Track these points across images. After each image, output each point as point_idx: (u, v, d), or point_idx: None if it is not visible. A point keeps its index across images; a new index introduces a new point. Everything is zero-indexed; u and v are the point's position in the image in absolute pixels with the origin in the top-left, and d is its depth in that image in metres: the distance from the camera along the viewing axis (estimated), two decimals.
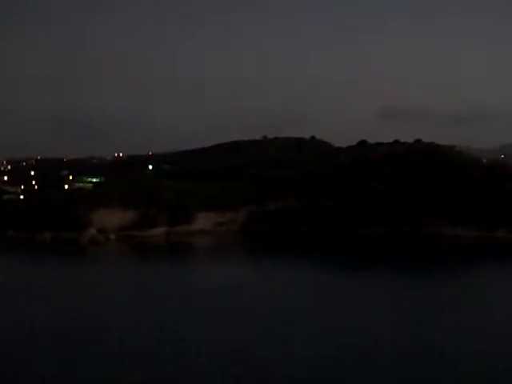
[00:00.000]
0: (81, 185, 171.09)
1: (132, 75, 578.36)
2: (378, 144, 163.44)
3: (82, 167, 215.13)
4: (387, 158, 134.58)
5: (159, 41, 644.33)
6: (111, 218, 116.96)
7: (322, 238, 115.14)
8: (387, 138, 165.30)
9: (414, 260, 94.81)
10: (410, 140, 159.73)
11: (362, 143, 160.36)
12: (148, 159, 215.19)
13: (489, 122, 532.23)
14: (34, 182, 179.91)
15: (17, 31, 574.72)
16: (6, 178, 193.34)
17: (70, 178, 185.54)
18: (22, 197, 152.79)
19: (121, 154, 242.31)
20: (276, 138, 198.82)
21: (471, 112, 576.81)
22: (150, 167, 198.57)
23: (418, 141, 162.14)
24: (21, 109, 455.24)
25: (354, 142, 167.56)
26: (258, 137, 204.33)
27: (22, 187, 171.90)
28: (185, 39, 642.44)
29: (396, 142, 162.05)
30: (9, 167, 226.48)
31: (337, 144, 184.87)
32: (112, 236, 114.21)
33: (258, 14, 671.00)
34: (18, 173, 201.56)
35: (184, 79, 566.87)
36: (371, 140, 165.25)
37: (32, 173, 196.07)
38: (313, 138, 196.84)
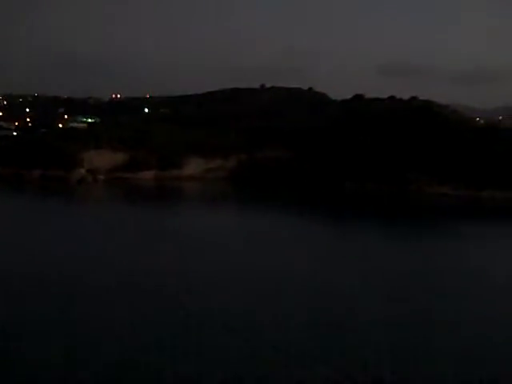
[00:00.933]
0: (75, 124, 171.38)
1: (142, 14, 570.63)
2: (373, 99, 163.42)
3: (78, 107, 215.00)
4: (379, 113, 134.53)
5: None
6: (101, 159, 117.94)
7: (306, 189, 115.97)
8: (386, 94, 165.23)
9: (393, 214, 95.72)
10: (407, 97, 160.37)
11: (357, 97, 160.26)
12: (145, 102, 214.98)
13: (490, 83, 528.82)
14: (28, 119, 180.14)
15: None
16: (0, 113, 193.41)
17: (65, 117, 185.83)
18: (14, 133, 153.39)
19: (118, 96, 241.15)
20: (273, 87, 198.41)
21: (473, 72, 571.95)
22: (146, 110, 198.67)
23: (414, 98, 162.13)
24: (21, 43, 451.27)
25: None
26: (255, 85, 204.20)
27: (16, 124, 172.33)
28: None
29: (391, 98, 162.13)
30: (5, 103, 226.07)
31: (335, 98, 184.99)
32: (101, 177, 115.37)
33: None
34: (14, 109, 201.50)
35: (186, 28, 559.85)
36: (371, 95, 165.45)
37: (27, 110, 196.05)
38: (310, 89, 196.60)
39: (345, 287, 45.53)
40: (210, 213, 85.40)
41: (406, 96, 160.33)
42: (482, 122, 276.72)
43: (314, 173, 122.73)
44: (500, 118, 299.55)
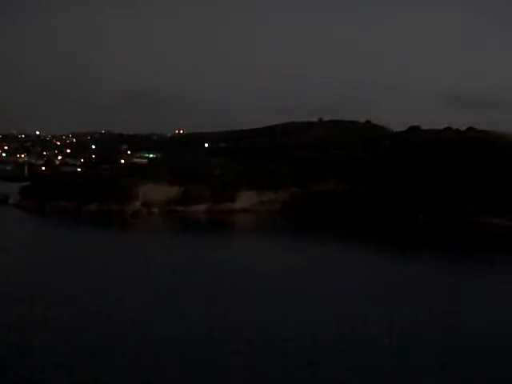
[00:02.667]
0: (137, 160, 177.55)
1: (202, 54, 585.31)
2: (428, 130, 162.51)
3: (142, 143, 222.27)
4: (433, 144, 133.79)
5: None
6: (156, 193, 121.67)
7: (360, 222, 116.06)
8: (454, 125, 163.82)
9: (448, 246, 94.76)
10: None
11: (412, 128, 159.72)
12: (206, 137, 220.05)
13: None
14: (93, 156, 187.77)
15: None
16: (68, 150, 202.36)
17: (128, 152, 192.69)
18: (79, 169, 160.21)
19: (181, 131, 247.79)
20: (330, 121, 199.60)
21: None
22: (206, 145, 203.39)
23: (470, 128, 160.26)
24: (93, 82, 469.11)
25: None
26: (314, 119, 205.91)
27: (82, 160, 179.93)
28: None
29: (447, 128, 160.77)
30: (74, 140, 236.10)
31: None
32: (155, 210, 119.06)
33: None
34: (81, 146, 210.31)
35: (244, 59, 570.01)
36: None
37: (93, 146, 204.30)
38: (367, 121, 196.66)
39: None
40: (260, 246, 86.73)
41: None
42: None
43: (366, 206, 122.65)
44: None
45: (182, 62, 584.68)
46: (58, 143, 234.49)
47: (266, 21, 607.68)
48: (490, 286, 64.49)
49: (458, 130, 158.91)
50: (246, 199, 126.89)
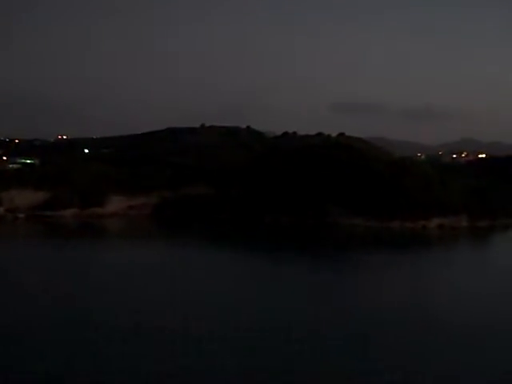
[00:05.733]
0: (13, 166, 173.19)
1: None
2: (304, 136, 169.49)
3: (23, 148, 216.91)
4: (301, 149, 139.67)
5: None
6: (22, 198, 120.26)
7: (225, 224, 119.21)
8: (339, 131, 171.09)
9: (304, 246, 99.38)
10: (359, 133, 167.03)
11: (285, 134, 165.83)
12: (88, 142, 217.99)
13: (439, 120, 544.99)
14: None
15: None
16: None
17: (4, 158, 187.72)
18: None
19: (64, 137, 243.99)
20: (212, 126, 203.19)
21: (422, 109, 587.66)
22: (87, 150, 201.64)
23: (342, 134, 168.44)
24: None
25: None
26: (196, 124, 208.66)
27: None
28: None
29: (319, 134, 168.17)
30: None
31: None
32: (21, 215, 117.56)
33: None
34: None
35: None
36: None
37: None
38: (248, 127, 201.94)
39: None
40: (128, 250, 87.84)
41: (358, 133, 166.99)
42: (423, 157, 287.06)
43: (233, 208, 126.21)
44: (440, 153, 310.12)
45: (73, 70, 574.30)
46: None
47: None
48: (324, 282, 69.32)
49: (328, 136, 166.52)
50: (115, 204, 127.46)
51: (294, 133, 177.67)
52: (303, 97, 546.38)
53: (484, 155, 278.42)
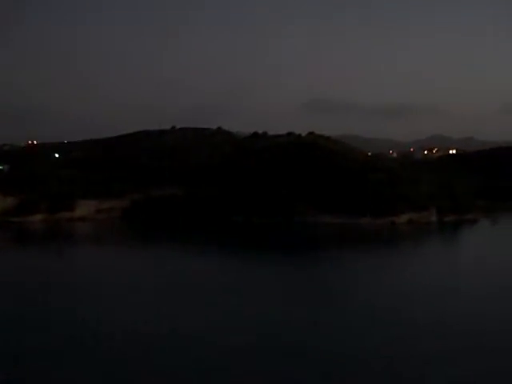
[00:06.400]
0: None
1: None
2: (275, 136, 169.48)
3: None
4: (268, 149, 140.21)
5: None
6: None
7: (197, 225, 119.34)
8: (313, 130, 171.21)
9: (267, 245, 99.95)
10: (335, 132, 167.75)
11: (255, 134, 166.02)
12: (59, 147, 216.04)
13: (412, 117, 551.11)
14: None
15: None
16: None
17: None
18: None
19: (34, 142, 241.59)
20: (183, 128, 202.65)
21: (395, 107, 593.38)
22: (57, 155, 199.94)
23: (311, 133, 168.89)
24: None
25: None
26: (167, 127, 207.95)
27: None
28: None
29: (289, 134, 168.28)
30: None
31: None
32: None
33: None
34: None
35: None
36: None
37: None
38: (219, 128, 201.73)
39: None
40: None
41: (332, 131, 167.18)
42: (395, 154, 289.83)
43: (204, 209, 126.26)
44: (411, 149, 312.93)
45: (43, 75, 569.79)
46: None
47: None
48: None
49: (298, 136, 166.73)
50: (84, 208, 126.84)
51: (265, 133, 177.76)
52: (276, 97, 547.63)
53: (454, 151, 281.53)
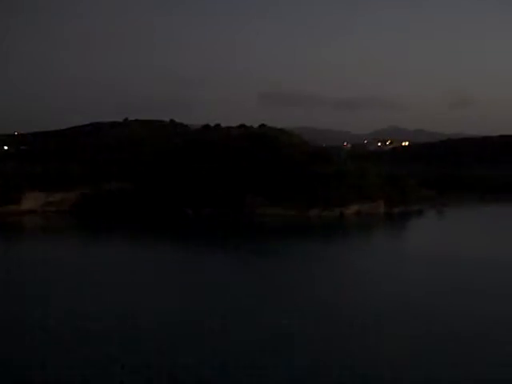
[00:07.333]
0: None
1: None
2: (228, 128, 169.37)
3: None
4: (218, 141, 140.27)
5: None
6: None
7: (146, 218, 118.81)
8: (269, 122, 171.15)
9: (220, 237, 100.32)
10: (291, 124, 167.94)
11: (206, 127, 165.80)
12: (9, 139, 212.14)
13: (369, 109, 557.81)
14: None
15: None
16: None
17: None
18: None
19: None
20: (136, 120, 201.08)
21: (352, 99, 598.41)
22: (6, 147, 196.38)
23: (263, 125, 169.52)
24: None
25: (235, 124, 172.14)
26: (119, 119, 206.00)
27: None
28: None
29: (241, 126, 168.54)
30: None
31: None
32: None
33: None
34: None
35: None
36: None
37: None
38: (172, 121, 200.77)
39: None
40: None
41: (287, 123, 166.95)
42: (349, 145, 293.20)
43: (154, 202, 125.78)
44: (365, 141, 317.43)
45: None
46: None
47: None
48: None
49: (250, 127, 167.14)
50: (32, 200, 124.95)
51: (217, 125, 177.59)
52: (232, 89, 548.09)
53: (407, 143, 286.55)
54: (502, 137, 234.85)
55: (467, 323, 47.31)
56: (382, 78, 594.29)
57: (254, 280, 65.15)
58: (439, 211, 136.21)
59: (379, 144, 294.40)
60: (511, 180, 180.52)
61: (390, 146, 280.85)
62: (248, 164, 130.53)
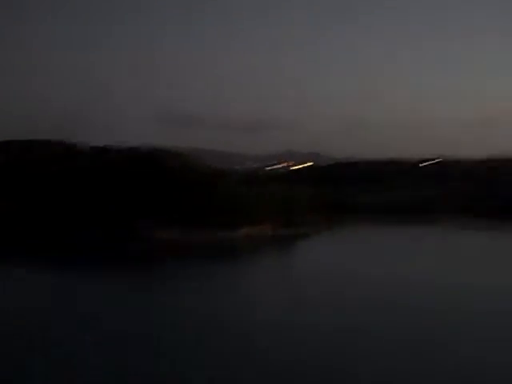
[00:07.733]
0: None
1: None
2: (118, 150, 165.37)
3: None
4: (105, 163, 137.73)
5: None
6: None
7: (27, 242, 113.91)
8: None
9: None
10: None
11: (95, 148, 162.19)
12: None
13: (266, 131, 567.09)
14: None
15: None
16: None
17: None
18: None
19: None
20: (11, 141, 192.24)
21: (254, 121, 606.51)
22: None
23: (153, 147, 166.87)
24: None
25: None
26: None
27: None
28: None
29: (131, 148, 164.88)
30: None
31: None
32: None
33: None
34: None
35: None
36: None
37: None
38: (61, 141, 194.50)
39: None
40: None
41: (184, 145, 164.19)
42: (240, 168, 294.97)
43: (34, 224, 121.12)
44: (260, 164, 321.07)
45: None
46: None
47: None
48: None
49: (137, 149, 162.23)
50: None
51: (105, 147, 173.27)
52: (125, 109, 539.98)
53: (301, 166, 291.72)
54: (391, 161, 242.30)
55: None
56: (279, 100, 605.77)
57: None
58: (324, 235, 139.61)
59: (274, 167, 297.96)
60: (392, 204, 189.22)
61: (285, 169, 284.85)
62: (136, 187, 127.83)
